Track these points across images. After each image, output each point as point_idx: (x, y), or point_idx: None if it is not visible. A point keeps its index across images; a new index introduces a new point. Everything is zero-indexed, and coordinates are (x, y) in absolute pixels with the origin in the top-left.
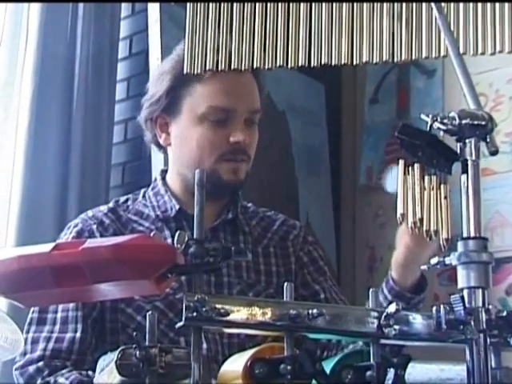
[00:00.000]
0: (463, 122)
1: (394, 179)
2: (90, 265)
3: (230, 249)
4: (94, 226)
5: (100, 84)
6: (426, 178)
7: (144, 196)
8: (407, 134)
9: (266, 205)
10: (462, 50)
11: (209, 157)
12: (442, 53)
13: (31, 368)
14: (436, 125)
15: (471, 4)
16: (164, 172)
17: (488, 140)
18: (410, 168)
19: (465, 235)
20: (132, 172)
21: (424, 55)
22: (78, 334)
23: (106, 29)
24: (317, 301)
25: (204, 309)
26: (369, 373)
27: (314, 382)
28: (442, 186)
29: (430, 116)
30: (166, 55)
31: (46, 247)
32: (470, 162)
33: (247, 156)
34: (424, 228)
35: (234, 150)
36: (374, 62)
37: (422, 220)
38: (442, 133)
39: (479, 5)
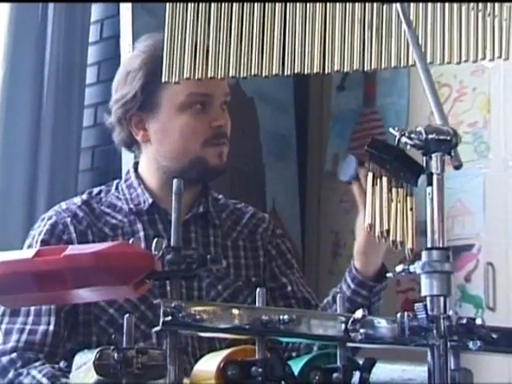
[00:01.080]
0: (429, 136)
1: (348, 168)
2: (72, 271)
3: (205, 256)
4: (68, 219)
5: (70, 68)
6: (394, 190)
7: (117, 188)
8: (376, 148)
9: (233, 190)
10: (429, 60)
11: (194, 144)
12: (411, 62)
13: (4, 359)
14: (403, 139)
15: (438, 15)
16: (136, 164)
17: (452, 154)
18: (378, 180)
19: (429, 245)
20: (101, 156)
21: (393, 64)
22: (52, 327)
23: (76, 12)
24: (284, 293)
25: (180, 314)
26: (335, 375)
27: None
28: (408, 198)
29: (398, 131)
30: (137, 40)
31: (29, 253)
32: (435, 176)
33: (227, 139)
34: (390, 238)
35: (217, 134)
36: (345, 70)
37: (388, 231)
38: (408, 147)
39: (446, 16)
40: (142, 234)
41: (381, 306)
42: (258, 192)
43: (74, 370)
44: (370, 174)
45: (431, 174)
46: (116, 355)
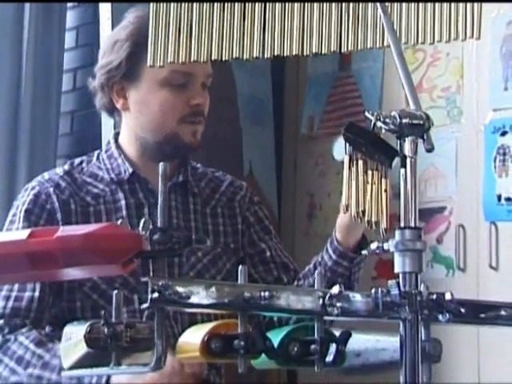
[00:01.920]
0: (403, 121)
1: (341, 148)
2: (63, 252)
3: (190, 237)
4: (51, 189)
5: (49, 33)
6: (369, 172)
7: (98, 158)
8: (352, 132)
9: (210, 154)
10: (403, 40)
11: (170, 120)
12: (386, 43)
13: None
14: (378, 124)
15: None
16: (117, 135)
17: (425, 138)
18: (355, 163)
19: (402, 225)
20: (81, 121)
21: (369, 46)
22: (37, 293)
23: None
24: (263, 258)
25: (167, 292)
26: (313, 346)
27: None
28: (382, 180)
29: (374, 115)
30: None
31: (23, 234)
32: (408, 158)
33: (204, 118)
34: (366, 218)
35: (194, 112)
36: (323, 52)
37: (364, 211)
38: (383, 131)
39: None
40: (123, 202)
41: None
42: (234, 156)
43: (63, 341)
44: (347, 157)
45: (405, 156)
46: (106, 330)
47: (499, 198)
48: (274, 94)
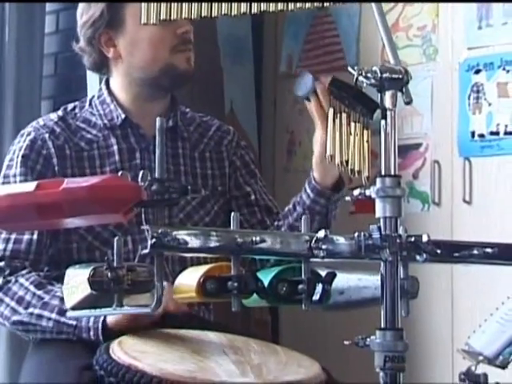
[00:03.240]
0: (383, 75)
1: (304, 84)
2: (69, 202)
3: (186, 187)
4: (46, 135)
5: None
6: (352, 124)
7: (90, 104)
8: (336, 87)
9: (193, 93)
10: None
11: (162, 52)
12: None
13: None
14: (360, 78)
15: None
16: (107, 81)
17: (404, 91)
18: (339, 115)
19: (382, 173)
20: (64, 62)
21: None
22: (35, 236)
23: None
24: (248, 201)
25: (166, 239)
26: (300, 286)
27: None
28: (364, 131)
29: (356, 70)
30: None
31: (30, 186)
32: (388, 111)
33: (192, 45)
34: (349, 167)
35: (183, 40)
36: (307, 7)
37: (347, 161)
38: (365, 85)
39: None
40: (115, 147)
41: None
42: (216, 94)
43: (65, 283)
44: (331, 110)
45: (385, 109)
46: (109, 274)
47: (473, 134)
48: (253, 33)
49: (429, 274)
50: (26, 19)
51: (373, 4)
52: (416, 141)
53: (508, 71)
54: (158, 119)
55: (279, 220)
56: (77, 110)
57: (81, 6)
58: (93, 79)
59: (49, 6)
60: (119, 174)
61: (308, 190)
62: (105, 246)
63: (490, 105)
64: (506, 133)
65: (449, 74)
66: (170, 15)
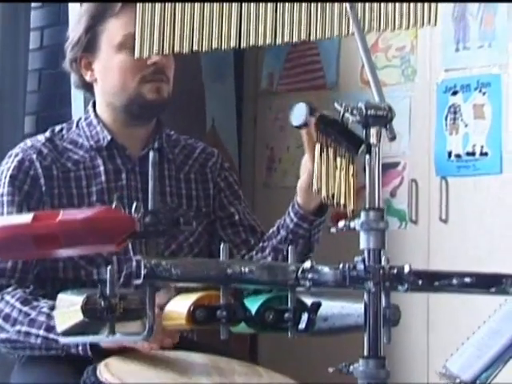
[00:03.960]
0: (368, 112)
1: (299, 114)
2: (65, 234)
3: (178, 219)
4: (34, 156)
5: None
6: (338, 159)
7: (77, 126)
8: (323, 123)
9: (175, 110)
10: (367, 28)
11: (132, 80)
12: (351, 31)
13: None
14: (346, 114)
15: None
16: (95, 103)
17: (388, 128)
18: (325, 150)
19: (367, 206)
20: (48, 78)
21: (335, 34)
22: None
23: None
24: (232, 222)
25: (159, 269)
26: (287, 315)
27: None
28: (350, 166)
29: (343, 106)
30: None
31: (27, 218)
32: (373, 146)
33: (165, 76)
34: (335, 201)
35: (154, 71)
36: (294, 40)
37: (333, 194)
38: (351, 121)
39: None
40: (102, 168)
41: None
42: (198, 111)
43: (58, 307)
44: (318, 145)
45: (370, 144)
46: (102, 302)
47: (450, 154)
48: (234, 51)
49: (405, 299)
50: (10, 35)
51: (356, 35)
52: (394, 159)
53: (484, 93)
54: (150, 153)
55: (264, 241)
56: (64, 132)
57: (70, 25)
58: (77, 95)
59: (33, 23)
60: (113, 206)
61: (291, 214)
62: (90, 265)
63: (466, 126)
64: (481, 153)
65: (427, 94)
66: (163, 49)
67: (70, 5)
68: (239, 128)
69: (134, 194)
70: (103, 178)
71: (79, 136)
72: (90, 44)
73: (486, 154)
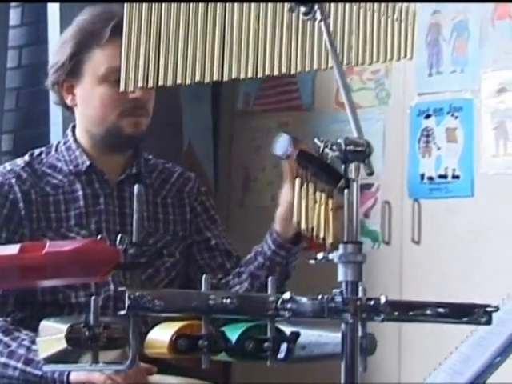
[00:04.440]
0: (347, 148)
1: (282, 145)
2: (51, 266)
3: (162, 251)
4: (13, 180)
5: None
6: (318, 193)
7: (57, 150)
8: (303, 158)
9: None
10: (345, 62)
11: (111, 113)
12: (330, 65)
13: None
14: (326, 150)
15: (354, 21)
16: (74, 127)
17: (366, 162)
18: (306, 184)
19: (345, 239)
20: (26, 97)
21: (315, 67)
22: None
23: None
24: (208, 246)
25: (142, 301)
26: (266, 344)
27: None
28: (329, 200)
29: (323, 142)
30: None
31: (14, 249)
32: (351, 181)
33: (146, 111)
34: (315, 234)
35: (134, 106)
36: (275, 73)
37: (313, 228)
38: (330, 156)
39: (361, 21)
40: (80, 193)
41: None
42: (175, 131)
43: (41, 335)
44: (298, 180)
45: (348, 179)
46: (87, 332)
47: (422, 176)
48: None
49: (378, 326)
50: None
51: (335, 69)
52: (368, 181)
53: (456, 117)
54: (135, 186)
55: (241, 266)
56: (43, 156)
57: (55, 45)
58: (55, 113)
59: (11, 41)
60: (98, 237)
61: (269, 242)
62: (68, 289)
63: (438, 149)
64: (453, 176)
65: (400, 117)
66: (148, 82)
67: (50, 25)
68: (215, 148)
69: (112, 219)
70: (82, 202)
71: (58, 160)
72: (73, 70)
73: (457, 176)
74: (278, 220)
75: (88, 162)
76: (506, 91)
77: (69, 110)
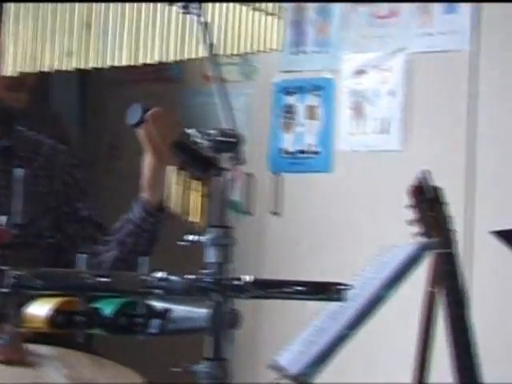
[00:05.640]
0: (220, 138)
1: (135, 114)
2: None
3: (42, 230)
4: None
5: None
6: (192, 181)
7: None
8: (178, 148)
9: None
10: (221, 52)
11: None
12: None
13: None
14: (199, 140)
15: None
16: None
17: (237, 152)
18: (180, 172)
19: (213, 223)
20: None
21: (193, 56)
22: None
23: None
24: (78, 217)
25: (24, 280)
26: (139, 320)
27: None
28: (202, 187)
29: (196, 132)
30: None
31: None
32: (222, 170)
33: (26, 86)
34: (188, 218)
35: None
36: (153, 61)
37: (188, 212)
38: (203, 145)
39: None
40: None
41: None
42: (41, 97)
43: None
44: (174, 168)
45: (219, 168)
46: None
47: (283, 151)
48: None
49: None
50: None
51: (210, 61)
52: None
53: (317, 96)
54: (16, 170)
55: (110, 234)
56: None
57: None
58: None
59: None
60: None
61: (137, 209)
62: None
63: (300, 125)
64: (313, 152)
65: (265, 93)
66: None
67: None
68: (84, 117)
69: None
70: None
71: None
72: None
73: (317, 152)
74: (144, 188)
75: None
76: (363, 73)
77: None
